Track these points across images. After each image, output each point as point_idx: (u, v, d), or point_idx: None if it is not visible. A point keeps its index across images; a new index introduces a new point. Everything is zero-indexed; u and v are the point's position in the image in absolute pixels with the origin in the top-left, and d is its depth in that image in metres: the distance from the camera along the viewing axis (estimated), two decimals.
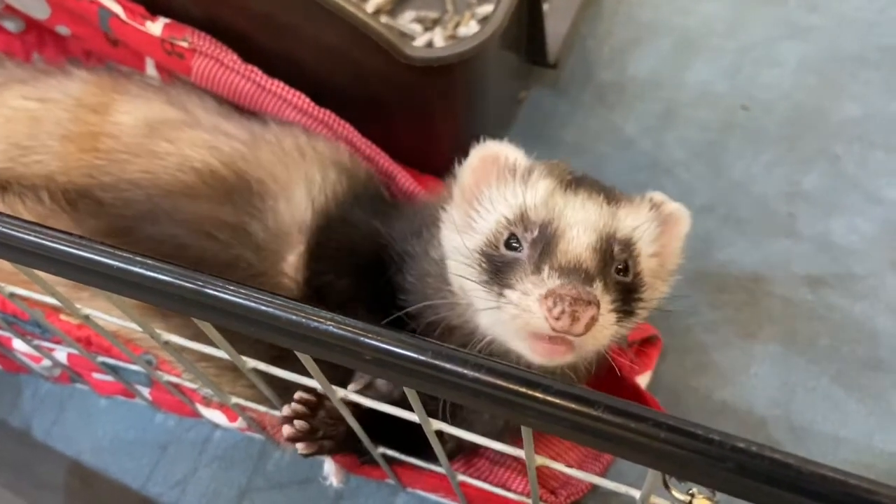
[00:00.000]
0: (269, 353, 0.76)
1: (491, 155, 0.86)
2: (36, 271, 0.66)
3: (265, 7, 1.09)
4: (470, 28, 1.51)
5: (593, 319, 0.68)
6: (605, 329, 0.72)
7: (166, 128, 1.03)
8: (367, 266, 0.95)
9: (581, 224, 0.77)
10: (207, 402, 1.07)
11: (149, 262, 0.58)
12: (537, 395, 0.50)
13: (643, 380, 1.11)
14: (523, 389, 0.51)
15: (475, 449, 1.04)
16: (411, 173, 1.21)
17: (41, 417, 1.22)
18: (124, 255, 0.59)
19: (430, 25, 1.53)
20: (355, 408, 0.78)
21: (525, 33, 1.32)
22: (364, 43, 1.04)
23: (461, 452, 1.03)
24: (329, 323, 0.55)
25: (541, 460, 0.69)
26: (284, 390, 0.84)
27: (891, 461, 1.05)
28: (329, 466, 1.03)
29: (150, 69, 1.19)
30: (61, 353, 1.09)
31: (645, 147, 1.42)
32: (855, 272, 1.23)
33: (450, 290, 0.85)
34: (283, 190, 1.00)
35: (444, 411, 0.78)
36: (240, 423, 1.06)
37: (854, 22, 1.51)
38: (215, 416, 1.09)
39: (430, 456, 0.88)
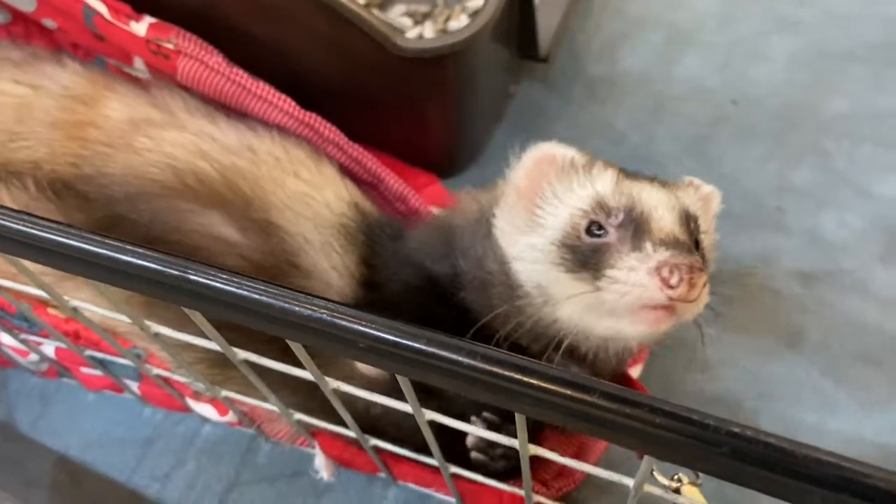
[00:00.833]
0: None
1: (546, 155, 0.88)
2: (22, 261, 0.65)
3: None
4: (460, 22, 1.50)
5: (705, 284, 0.73)
6: (705, 296, 0.76)
7: (148, 126, 1.02)
8: (425, 302, 0.94)
9: (662, 204, 0.80)
10: (197, 396, 1.06)
11: (138, 249, 0.57)
12: (533, 381, 0.50)
13: (634, 372, 1.11)
14: (519, 376, 0.50)
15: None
16: (398, 168, 1.20)
17: (27, 412, 1.21)
18: (112, 243, 0.58)
19: (420, 19, 1.53)
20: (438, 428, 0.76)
21: (516, 27, 1.32)
22: (356, 34, 1.04)
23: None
24: (322, 311, 0.54)
25: (534, 450, 0.69)
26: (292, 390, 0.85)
27: (881, 452, 1.06)
28: (320, 460, 1.03)
29: (139, 62, 1.18)
30: (49, 347, 1.07)
31: (635, 141, 1.42)
32: (844, 266, 1.23)
33: (521, 293, 0.85)
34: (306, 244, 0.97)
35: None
36: (230, 416, 1.05)
37: (842, 17, 1.53)
38: (205, 410, 1.08)
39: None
